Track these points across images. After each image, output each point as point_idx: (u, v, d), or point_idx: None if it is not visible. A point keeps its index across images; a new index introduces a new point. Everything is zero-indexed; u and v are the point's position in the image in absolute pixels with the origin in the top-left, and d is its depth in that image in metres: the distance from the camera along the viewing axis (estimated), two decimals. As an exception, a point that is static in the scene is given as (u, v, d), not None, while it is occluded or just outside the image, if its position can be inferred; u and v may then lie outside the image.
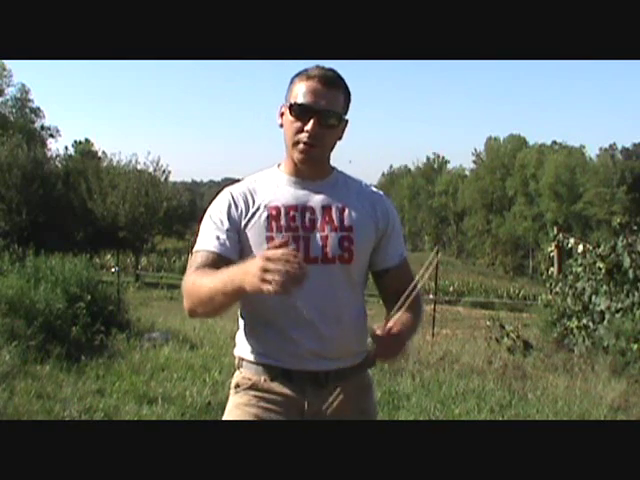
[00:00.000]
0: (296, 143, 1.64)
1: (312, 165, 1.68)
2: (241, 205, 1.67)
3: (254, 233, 1.65)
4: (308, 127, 1.60)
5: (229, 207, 1.67)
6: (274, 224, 1.65)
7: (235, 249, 1.64)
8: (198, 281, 1.55)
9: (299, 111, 1.62)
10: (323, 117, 1.61)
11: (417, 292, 1.67)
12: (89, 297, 6.38)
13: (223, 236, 1.64)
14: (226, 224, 1.65)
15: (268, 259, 1.32)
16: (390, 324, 1.52)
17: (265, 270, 1.32)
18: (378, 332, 1.51)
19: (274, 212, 1.66)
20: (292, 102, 1.63)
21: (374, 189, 1.81)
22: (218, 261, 1.59)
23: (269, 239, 1.64)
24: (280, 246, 1.36)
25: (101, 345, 6.10)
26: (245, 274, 1.38)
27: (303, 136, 1.62)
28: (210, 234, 1.65)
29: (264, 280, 1.31)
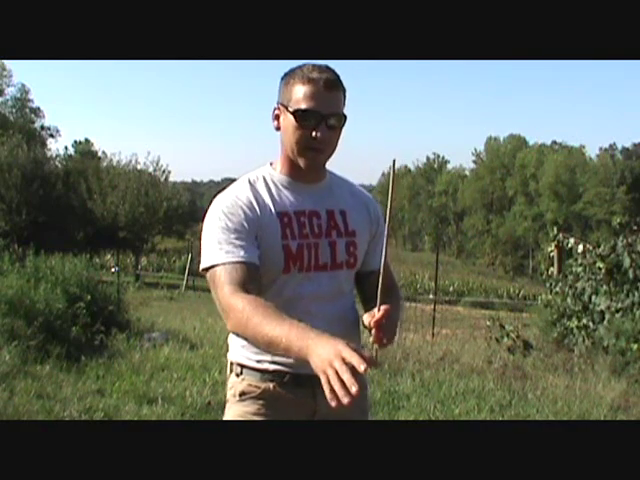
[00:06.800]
0: (304, 149, 1.58)
1: (319, 170, 1.66)
2: (254, 209, 1.60)
3: (268, 240, 1.59)
4: (319, 134, 1.54)
5: (244, 212, 1.59)
6: (288, 231, 1.61)
7: (258, 256, 1.56)
8: (254, 318, 1.42)
9: (305, 117, 1.55)
10: (329, 121, 1.56)
11: (393, 276, 1.76)
12: (89, 297, 6.39)
13: (248, 244, 1.55)
14: (247, 231, 1.57)
15: (343, 360, 1.20)
16: (382, 308, 1.48)
17: (334, 368, 1.20)
18: (375, 319, 1.46)
19: (286, 219, 1.62)
20: (296, 108, 1.56)
21: (362, 189, 1.82)
22: (251, 271, 1.52)
23: (285, 247, 1.59)
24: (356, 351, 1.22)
25: (101, 345, 6.10)
26: (315, 355, 1.26)
27: (312, 143, 1.56)
28: (235, 243, 1.54)
29: (325, 374, 1.21)
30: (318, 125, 1.55)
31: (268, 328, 1.38)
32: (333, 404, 1.18)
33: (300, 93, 1.56)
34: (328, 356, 1.22)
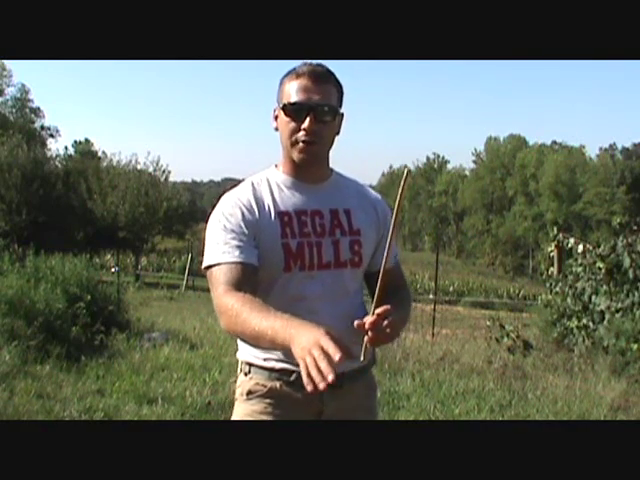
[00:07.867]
0: (294, 143, 1.61)
1: (313, 164, 1.65)
2: (253, 210, 1.62)
3: (268, 239, 1.60)
4: (305, 125, 1.57)
5: (243, 214, 1.61)
6: (288, 230, 1.62)
7: (256, 256, 1.58)
8: (242, 313, 1.43)
9: (293, 110, 1.59)
10: (318, 113, 1.58)
11: (403, 276, 1.79)
12: (89, 297, 6.39)
13: (245, 245, 1.57)
14: (244, 231, 1.58)
15: (321, 349, 1.22)
16: (376, 312, 1.49)
17: (312, 356, 1.22)
18: (370, 321, 1.48)
19: (286, 218, 1.63)
20: (285, 102, 1.60)
21: (371, 190, 1.82)
22: (246, 271, 1.53)
23: (285, 245, 1.60)
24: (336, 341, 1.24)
25: (101, 345, 6.11)
26: (296, 344, 1.28)
27: (301, 135, 1.59)
28: (231, 244, 1.56)
29: (304, 361, 1.23)
30: (305, 117, 1.58)
31: (255, 322, 1.40)
32: (309, 389, 1.21)
33: (290, 89, 1.61)
34: (307, 344, 1.25)
